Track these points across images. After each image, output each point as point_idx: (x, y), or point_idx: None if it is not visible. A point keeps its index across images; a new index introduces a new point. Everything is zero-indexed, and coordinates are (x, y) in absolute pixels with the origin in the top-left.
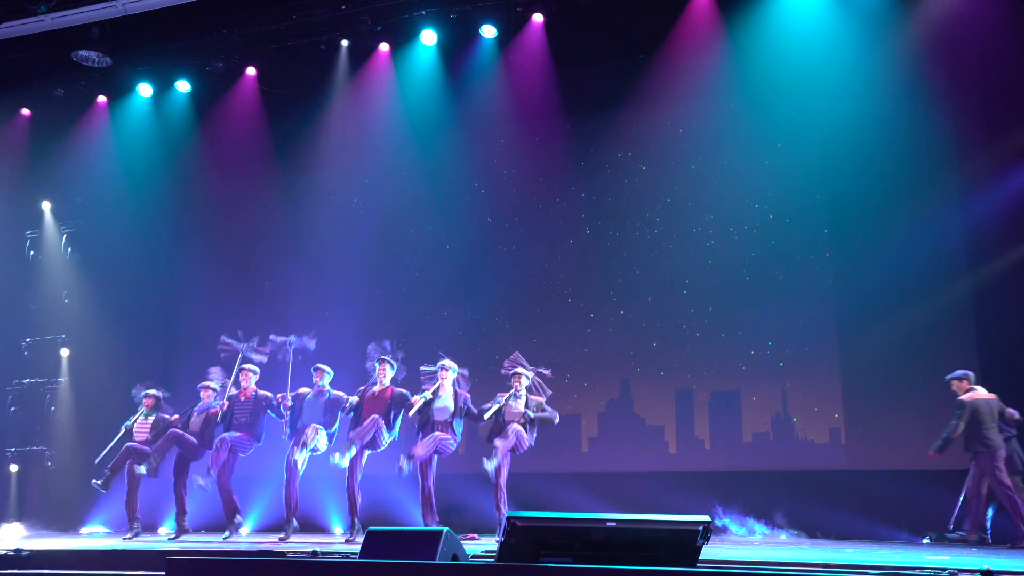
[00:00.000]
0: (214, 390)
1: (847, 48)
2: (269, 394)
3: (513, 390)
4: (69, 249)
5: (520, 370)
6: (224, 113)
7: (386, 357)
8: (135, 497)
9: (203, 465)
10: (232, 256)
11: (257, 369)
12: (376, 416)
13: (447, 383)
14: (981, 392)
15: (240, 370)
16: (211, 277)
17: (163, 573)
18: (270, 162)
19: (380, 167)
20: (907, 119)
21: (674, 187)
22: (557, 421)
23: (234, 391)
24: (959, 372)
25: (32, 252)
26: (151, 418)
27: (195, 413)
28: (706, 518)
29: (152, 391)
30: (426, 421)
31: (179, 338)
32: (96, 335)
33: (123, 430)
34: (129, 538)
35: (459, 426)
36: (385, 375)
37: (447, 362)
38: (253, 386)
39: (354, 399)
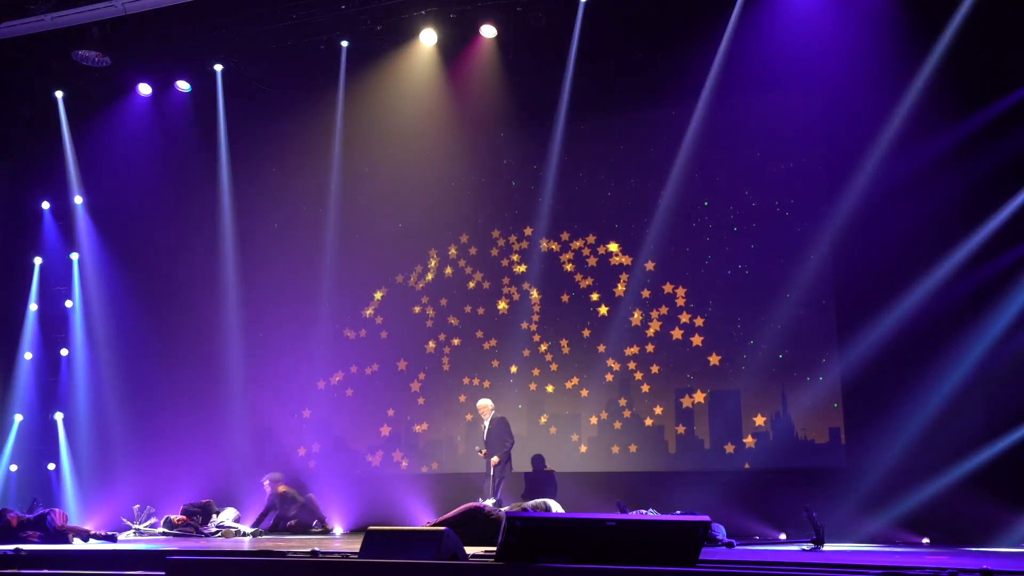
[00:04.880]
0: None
1: (846, 44)
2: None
3: None
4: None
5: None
6: (224, 113)
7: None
8: None
9: None
10: (231, 254)
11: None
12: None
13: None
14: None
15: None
16: (211, 275)
17: (163, 573)
18: (269, 162)
19: (380, 166)
20: (908, 117)
21: (674, 186)
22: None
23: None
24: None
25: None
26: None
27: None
28: (706, 518)
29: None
30: None
31: (178, 337)
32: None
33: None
34: None
35: None
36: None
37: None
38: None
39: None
